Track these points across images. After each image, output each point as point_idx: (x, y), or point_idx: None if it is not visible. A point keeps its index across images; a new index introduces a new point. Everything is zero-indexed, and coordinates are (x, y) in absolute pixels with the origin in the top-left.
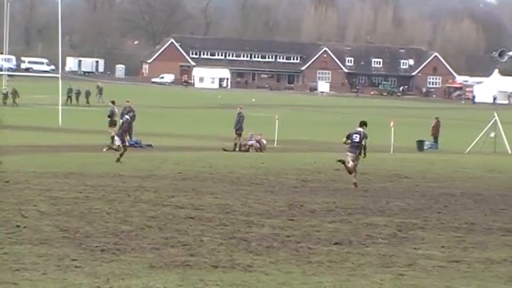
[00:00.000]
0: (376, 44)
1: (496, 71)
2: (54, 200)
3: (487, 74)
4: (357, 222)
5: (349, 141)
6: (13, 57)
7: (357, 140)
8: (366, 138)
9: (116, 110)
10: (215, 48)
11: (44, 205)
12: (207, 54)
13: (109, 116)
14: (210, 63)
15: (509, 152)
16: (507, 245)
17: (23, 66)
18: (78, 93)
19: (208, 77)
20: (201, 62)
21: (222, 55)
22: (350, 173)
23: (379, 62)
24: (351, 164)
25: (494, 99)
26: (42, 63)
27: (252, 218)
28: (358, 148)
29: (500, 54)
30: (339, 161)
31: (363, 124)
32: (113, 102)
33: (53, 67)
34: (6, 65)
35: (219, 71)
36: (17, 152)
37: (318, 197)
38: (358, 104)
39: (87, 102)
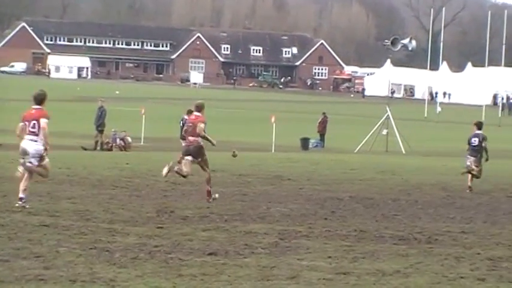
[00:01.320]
0: (256, 30)
1: (389, 61)
2: None
3: (379, 64)
4: (234, 230)
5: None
6: None
7: (476, 143)
8: (486, 140)
9: None
10: (73, 33)
11: None
12: (63, 40)
13: None
14: (67, 50)
15: (403, 151)
16: (400, 255)
17: None
18: None
19: (65, 66)
20: (57, 49)
21: (81, 41)
22: (473, 175)
23: (259, 50)
24: (475, 170)
25: (392, 92)
26: None
27: (115, 225)
28: (478, 152)
29: (393, 43)
30: (464, 173)
31: (480, 125)
32: None
33: None
34: None
35: (78, 59)
36: None
37: (191, 202)
38: (235, 97)
39: None
